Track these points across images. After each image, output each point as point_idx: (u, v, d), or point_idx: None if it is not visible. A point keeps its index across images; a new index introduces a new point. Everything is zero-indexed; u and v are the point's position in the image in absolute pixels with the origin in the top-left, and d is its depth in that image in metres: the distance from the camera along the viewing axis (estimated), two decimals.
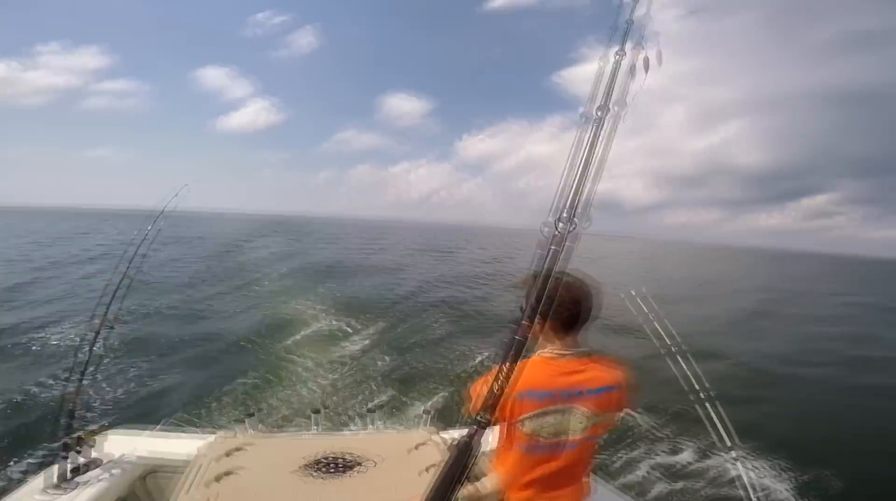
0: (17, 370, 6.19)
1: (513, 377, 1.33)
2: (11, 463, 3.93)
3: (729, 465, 1.87)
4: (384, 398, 6.16)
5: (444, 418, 5.29)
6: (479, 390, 1.41)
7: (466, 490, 1.28)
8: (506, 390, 1.28)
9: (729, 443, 1.84)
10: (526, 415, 1.37)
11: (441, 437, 1.64)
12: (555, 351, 1.40)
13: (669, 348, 2.15)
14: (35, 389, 5.55)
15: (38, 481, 1.59)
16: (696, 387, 2.01)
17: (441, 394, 6.30)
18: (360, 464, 1.37)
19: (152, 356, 6.99)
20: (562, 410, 1.37)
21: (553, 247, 0.91)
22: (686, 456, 4.97)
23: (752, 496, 1.67)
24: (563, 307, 1.30)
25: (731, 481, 1.83)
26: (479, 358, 7.93)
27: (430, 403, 5.91)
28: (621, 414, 1.60)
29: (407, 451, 1.50)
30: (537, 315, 1.25)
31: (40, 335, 7.74)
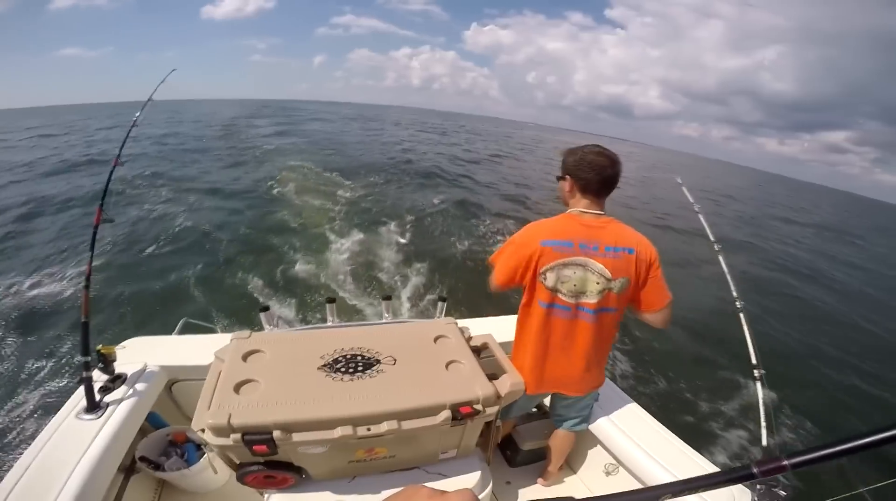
0: (20, 283, 5.57)
1: (536, 226, 1.49)
2: (37, 388, 3.66)
3: (751, 385, 1.80)
4: (399, 284, 6.16)
5: (460, 305, 5.42)
6: (504, 248, 1.55)
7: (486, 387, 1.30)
8: (529, 238, 1.46)
9: (755, 361, 1.74)
10: (548, 265, 1.42)
11: (460, 328, 1.59)
12: (579, 209, 1.48)
13: (712, 244, 2.03)
14: (41, 303, 5.06)
15: (68, 405, 1.50)
16: (734, 295, 1.89)
17: (457, 280, 6.36)
18: (379, 362, 1.33)
19: (158, 252, 6.72)
20: (581, 263, 1.41)
21: None
22: (705, 367, 4.92)
23: (766, 420, 1.59)
24: (593, 169, 1.43)
25: (751, 402, 1.76)
26: (495, 239, 8.10)
27: (446, 289, 5.91)
28: (628, 303, 1.53)
29: (426, 345, 1.46)
30: (569, 176, 1.48)
31: (33, 245, 6.93)
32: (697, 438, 3.74)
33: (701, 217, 2.06)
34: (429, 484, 1.44)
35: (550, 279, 1.43)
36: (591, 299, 1.43)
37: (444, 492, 0.48)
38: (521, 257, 1.45)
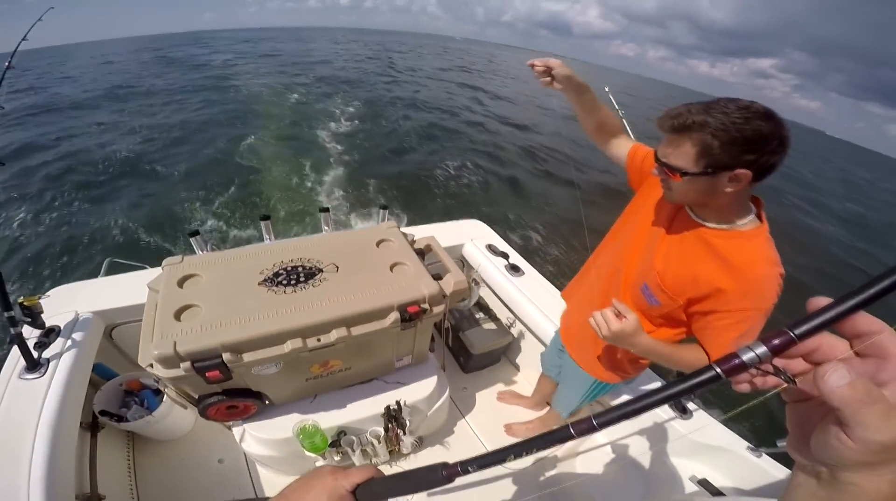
0: None
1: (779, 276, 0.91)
2: None
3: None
4: (337, 194, 5.84)
5: (405, 209, 5.31)
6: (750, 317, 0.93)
7: None
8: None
9: None
10: None
11: (402, 232, 1.56)
12: (759, 222, 0.95)
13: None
14: None
15: (7, 367, 1.37)
16: None
17: (399, 189, 6.12)
18: (321, 271, 1.30)
19: (65, 191, 5.99)
20: None
21: None
22: None
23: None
24: (784, 147, 0.81)
25: None
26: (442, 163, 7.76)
27: (386, 198, 5.75)
28: None
29: (369, 249, 1.45)
30: (749, 167, 0.82)
31: None
32: None
33: (623, 121, 2.19)
34: (389, 392, 1.49)
35: None
36: None
37: (346, 469, 0.59)
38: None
